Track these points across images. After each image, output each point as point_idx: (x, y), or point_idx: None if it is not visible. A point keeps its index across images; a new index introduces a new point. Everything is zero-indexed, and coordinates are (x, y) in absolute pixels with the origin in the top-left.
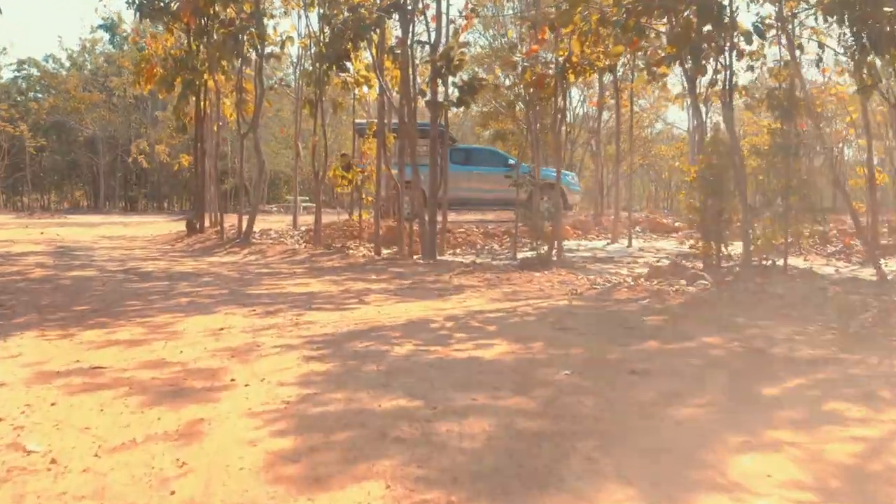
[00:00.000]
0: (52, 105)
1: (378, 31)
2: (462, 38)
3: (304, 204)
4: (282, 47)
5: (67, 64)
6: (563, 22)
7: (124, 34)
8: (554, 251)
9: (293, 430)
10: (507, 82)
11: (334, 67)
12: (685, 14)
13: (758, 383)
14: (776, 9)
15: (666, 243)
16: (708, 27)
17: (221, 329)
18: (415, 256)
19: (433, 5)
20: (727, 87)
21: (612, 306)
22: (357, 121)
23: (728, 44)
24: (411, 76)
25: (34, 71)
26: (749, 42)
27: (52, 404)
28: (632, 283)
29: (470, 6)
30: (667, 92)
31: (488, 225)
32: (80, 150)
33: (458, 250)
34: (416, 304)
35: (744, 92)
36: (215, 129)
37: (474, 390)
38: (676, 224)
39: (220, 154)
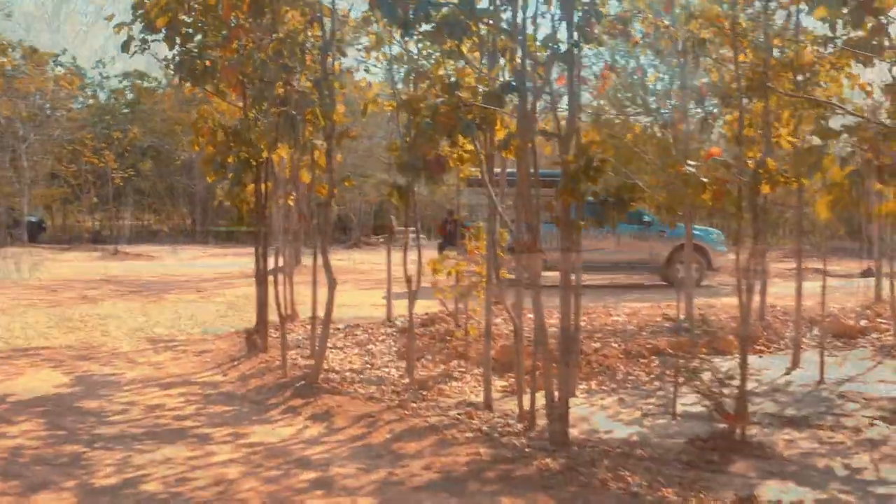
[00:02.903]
0: (136, 134)
1: (486, 127)
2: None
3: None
4: (364, 113)
5: (164, 81)
6: (808, 170)
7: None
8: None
9: None
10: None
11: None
12: None
13: None
14: None
15: (858, 364)
16: None
17: None
18: (538, 402)
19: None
20: None
21: None
22: (471, 178)
23: None
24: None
25: (142, 82)
26: None
27: None
28: None
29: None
30: None
31: (626, 326)
32: (176, 175)
33: (593, 384)
34: None
35: None
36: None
37: None
38: (863, 324)
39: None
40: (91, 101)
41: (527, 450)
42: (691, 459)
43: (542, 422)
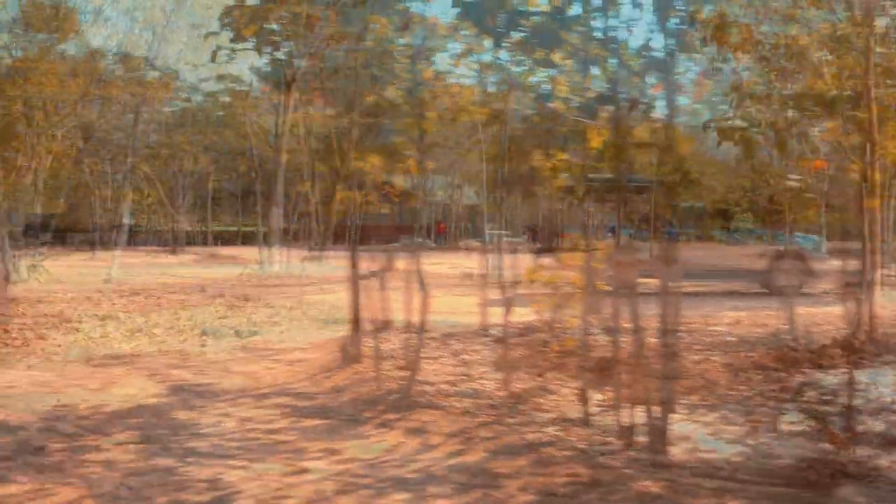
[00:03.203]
0: (230, 137)
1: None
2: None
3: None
4: (455, 120)
5: (257, 85)
6: None
7: None
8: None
9: None
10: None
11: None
12: None
13: None
14: None
15: None
16: None
17: None
18: (637, 418)
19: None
20: None
21: None
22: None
23: None
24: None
25: (234, 86)
26: None
27: None
28: None
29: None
30: None
31: (727, 337)
32: (271, 178)
33: (693, 398)
34: None
35: None
36: None
37: None
38: None
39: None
40: (185, 105)
41: (626, 470)
42: (796, 483)
43: (641, 438)
